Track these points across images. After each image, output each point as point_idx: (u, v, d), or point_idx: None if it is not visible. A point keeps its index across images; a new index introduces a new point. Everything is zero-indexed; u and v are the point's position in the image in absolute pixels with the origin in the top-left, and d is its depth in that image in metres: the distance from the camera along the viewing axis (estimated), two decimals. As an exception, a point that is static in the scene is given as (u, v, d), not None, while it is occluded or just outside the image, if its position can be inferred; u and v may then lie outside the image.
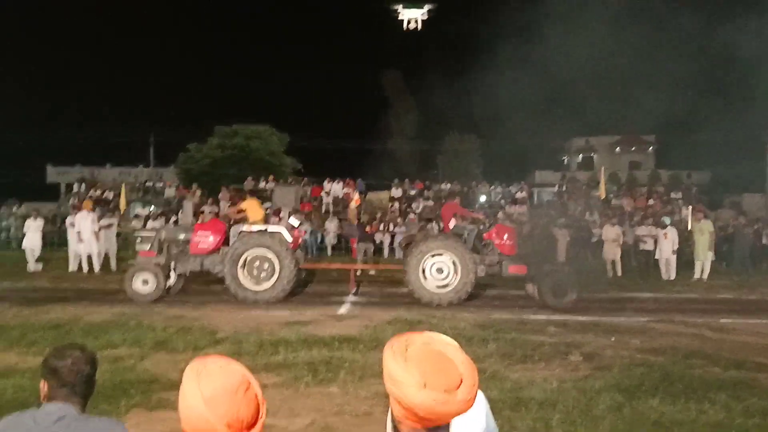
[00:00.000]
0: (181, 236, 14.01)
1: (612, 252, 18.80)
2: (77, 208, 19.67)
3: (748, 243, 20.14)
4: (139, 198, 32.84)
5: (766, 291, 16.18)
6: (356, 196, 27.79)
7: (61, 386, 2.49)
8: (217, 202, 26.18)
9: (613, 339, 9.67)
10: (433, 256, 13.38)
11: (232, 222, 14.73)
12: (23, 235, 18.63)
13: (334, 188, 32.19)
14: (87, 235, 17.50)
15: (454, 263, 13.31)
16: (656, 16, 24.27)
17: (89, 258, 17.63)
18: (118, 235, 19.42)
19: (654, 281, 17.53)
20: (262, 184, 32.04)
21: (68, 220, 18.85)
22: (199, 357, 1.89)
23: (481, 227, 15.57)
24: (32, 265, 18.09)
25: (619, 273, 18.55)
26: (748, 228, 20.97)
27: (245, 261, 13.27)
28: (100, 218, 18.29)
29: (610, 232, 19.01)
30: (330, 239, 25.99)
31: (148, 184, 36.02)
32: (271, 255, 13.26)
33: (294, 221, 15.82)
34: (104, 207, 24.47)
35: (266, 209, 21.36)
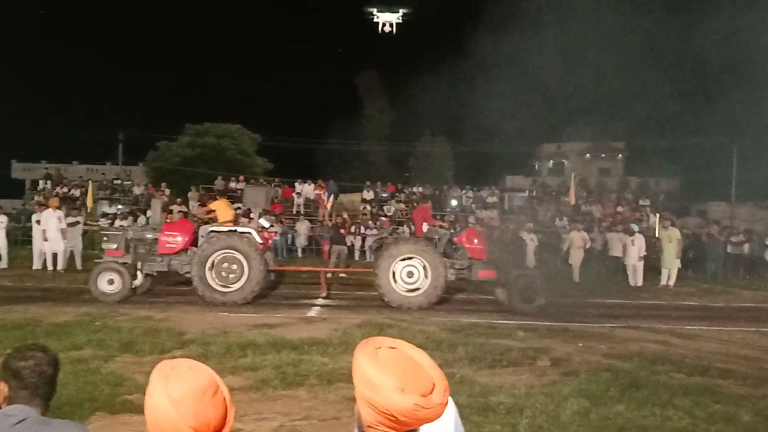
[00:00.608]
0: (149, 236, 13.80)
1: (577, 257, 19.04)
2: (43, 206, 19.35)
3: (719, 252, 20.50)
4: (107, 196, 32.35)
5: (731, 298, 16.51)
6: (331, 198, 27.75)
7: (23, 388, 2.43)
8: (186, 202, 25.93)
9: (580, 345, 9.76)
10: (403, 260, 13.38)
11: (197, 220, 14.60)
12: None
13: (306, 189, 32.07)
14: (52, 234, 17.21)
15: (424, 267, 13.32)
16: (626, 25, 24.60)
17: (54, 256, 17.34)
18: (84, 233, 19.12)
19: (621, 287, 17.75)
20: (232, 184, 31.80)
21: (33, 218, 18.53)
22: (166, 359, 1.85)
23: (452, 231, 15.64)
24: (-5, 263, 17.78)
25: (576, 279, 18.81)
26: (721, 236, 21.35)
27: (213, 262, 13.12)
28: (66, 216, 18.00)
29: (577, 238, 19.26)
30: (301, 241, 25.89)
31: (116, 182, 35.48)
32: (239, 256, 13.12)
33: (264, 222, 15.69)
34: (70, 205, 24.05)
35: (237, 209, 21.24)
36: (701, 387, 7.35)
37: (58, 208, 18.20)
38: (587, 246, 19.22)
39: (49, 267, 17.28)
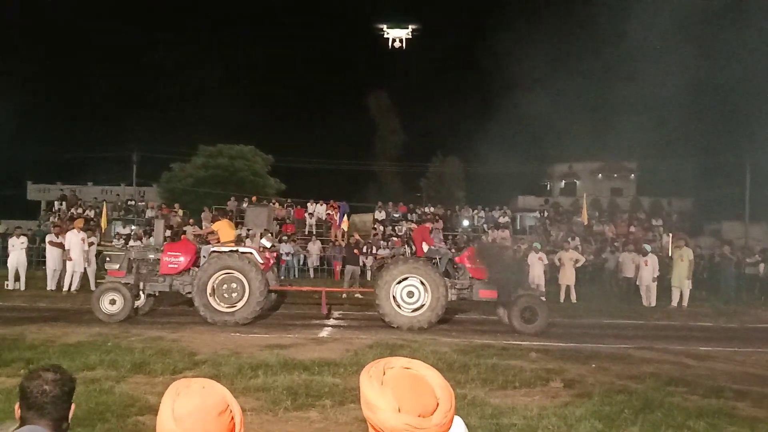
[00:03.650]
0: (151, 256, 13.86)
1: (567, 277, 18.87)
2: (57, 227, 19.53)
3: (733, 272, 20.34)
4: (121, 217, 32.58)
5: (745, 319, 16.34)
6: (344, 218, 27.83)
7: (28, 408, 2.45)
8: (199, 222, 26.07)
9: (593, 366, 9.68)
10: (399, 282, 13.34)
11: (199, 241, 14.67)
12: (3, 253, 18.49)
13: (318, 210, 32.16)
14: (76, 255, 17.42)
15: (422, 283, 13.27)
16: (639, 44, 24.65)
17: (72, 276, 17.54)
18: (98, 254, 19.26)
19: (634, 308, 17.62)
20: (244, 205, 31.94)
21: (48, 238, 18.69)
22: (185, 377, 1.89)
23: (453, 251, 15.60)
24: (12, 284, 17.90)
25: (574, 299, 18.65)
26: (733, 256, 21.20)
27: (213, 287, 13.13)
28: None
29: (566, 257, 19.12)
30: (312, 261, 25.93)
31: (130, 203, 35.75)
32: (238, 275, 13.15)
33: (266, 242, 15.69)
34: (85, 225, 24.26)
35: (248, 230, 21.29)
36: (716, 409, 7.27)
37: (83, 229, 18.44)
38: (577, 264, 19.10)
39: (70, 286, 17.44)
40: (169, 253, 13.73)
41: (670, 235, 23.30)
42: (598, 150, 43.10)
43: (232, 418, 1.82)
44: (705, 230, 35.15)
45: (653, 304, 18.20)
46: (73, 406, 2.59)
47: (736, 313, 17.09)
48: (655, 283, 18.32)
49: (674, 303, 18.07)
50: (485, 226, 32.37)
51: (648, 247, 19.51)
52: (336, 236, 28.28)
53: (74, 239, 17.60)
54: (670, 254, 19.70)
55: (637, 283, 18.81)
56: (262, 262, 13.61)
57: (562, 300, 18.49)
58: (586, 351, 10.96)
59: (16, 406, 2.49)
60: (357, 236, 23.54)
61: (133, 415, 6.52)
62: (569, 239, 23.82)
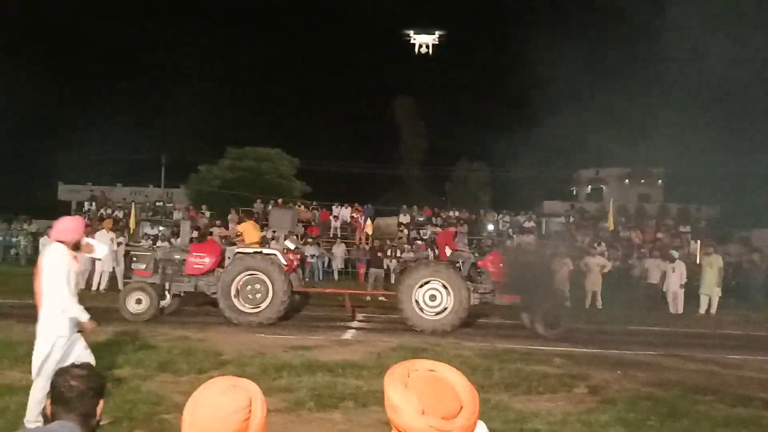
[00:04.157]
0: (177, 256, 14.03)
1: (594, 283, 18.67)
2: (88, 227, 19.83)
3: (762, 279, 20.01)
4: (149, 218, 32.99)
5: (775, 327, 16.06)
6: (368, 222, 27.91)
7: (55, 403, 2.52)
8: (225, 224, 26.28)
9: (619, 372, 9.59)
10: (421, 286, 13.32)
11: (224, 242, 14.81)
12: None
13: (343, 213, 32.26)
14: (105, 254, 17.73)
15: (444, 287, 13.25)
16: (667, 50, 24.42)
17: (101, 276, 17.84)
18: (126, 254, 19.51)
19: (661, 315, 17.42)
20: (270, 207, 32.14)
21: (77, 238, 18.97)
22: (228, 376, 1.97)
23: (476, 255, 15.55)
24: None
25: (600, 305, 18.44)
26: (763, 264, 20.86)
27: (237, 288, 13.23)
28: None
29: (593, 263, 18.93)
30: (337, 264, 26.01)
31: (158, 204, 36.19)
32: (261, 276, 13.24)
33: (289, 244, 15.80)
34: (114, 226, 24.59)
35: (273, 232, 21.43)
36: (744, 418, 7.17)
37: (111, 229, 18.75)
38: (604, 270, 18.89)
39: (97, 286, 17.73)
40: (194, 253, 13.90)
41: (698, 241, 22.99)
42: (625, 155, 42.69)
43: (247, 419, 1.85)
44: (734, 237, 34.61)
45: (680, 311, 17.98)
46: (101, 403, 2.65)
47: (765, 321, 16.81)
48: (683, 290, 18.10)
49: (702, 310, 17.85)
50: (510, 230, 32.19)
51: (675, 254, 19.25)
52: (360, 239, 28.35)
53: (103, 239, 17.88)
54: (698, 261, 19.41)
55: (664, 290, 18.59)
56: (285, 263, 13.70)
57: (587, 306, 18.35)
58: (611, 357, 10.87)
59: (47, 401, 2.55)
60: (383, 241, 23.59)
61: (159, 413, 6.60)
62: (595, 245, 23.59)
